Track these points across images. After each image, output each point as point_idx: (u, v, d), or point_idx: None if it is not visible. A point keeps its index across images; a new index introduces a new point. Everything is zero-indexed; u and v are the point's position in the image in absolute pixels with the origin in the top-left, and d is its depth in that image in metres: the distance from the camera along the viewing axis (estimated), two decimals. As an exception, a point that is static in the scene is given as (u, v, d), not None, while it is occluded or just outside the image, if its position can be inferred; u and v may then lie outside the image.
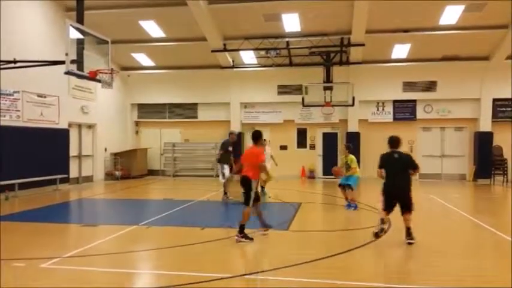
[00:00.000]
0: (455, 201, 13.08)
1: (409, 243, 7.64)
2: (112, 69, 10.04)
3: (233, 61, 19.67)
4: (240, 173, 8.45)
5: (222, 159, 13.08)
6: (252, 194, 7.97)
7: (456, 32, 16.63)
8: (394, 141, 8.25)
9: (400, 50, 18.53)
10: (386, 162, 8.08)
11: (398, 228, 8.96)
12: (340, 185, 11.77)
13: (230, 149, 13.12)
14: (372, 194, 13.72)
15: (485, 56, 18.75)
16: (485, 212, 11.79)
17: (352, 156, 11.67)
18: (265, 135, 21.34)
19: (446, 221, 10.07)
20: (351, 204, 11.47)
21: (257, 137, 8.60)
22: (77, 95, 17.56)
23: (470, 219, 10.40)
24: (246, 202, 7.98)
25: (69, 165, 16.89)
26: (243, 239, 7.73)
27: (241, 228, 7.80)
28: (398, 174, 7.94)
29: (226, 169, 12.95)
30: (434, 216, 9.93)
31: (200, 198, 13.70)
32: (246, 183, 8.06)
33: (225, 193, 13.05)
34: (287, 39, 17.66)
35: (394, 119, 20.32)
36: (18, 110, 14.25)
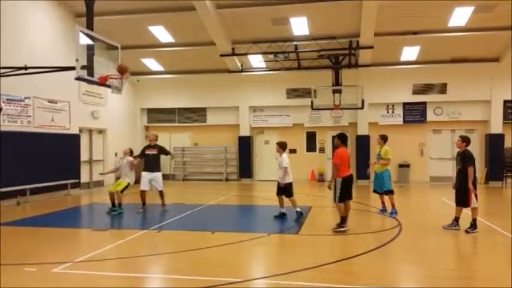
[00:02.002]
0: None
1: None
2: (122, 74, 10.07)
3: (242, 65, 19.70)
4: None
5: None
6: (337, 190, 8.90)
7: (466, 33, 16.50)
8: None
9: (410, 53, 18.43)
10: None
11: (409, 231, 8.91)
12: (376, 192, 11.49)
13: (148, 152, 11.66)
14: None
15: (495, 58, 18.59)
16: (497, 215, 11.67)
17: (386, 148, 11.18)
18: (274, 138, 21.45)
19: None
20: (393, 211, 10.93)
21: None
22: (87, 101, 17.69)
23: (482, 222, 10.29)
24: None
25: (80, 170, 17.01)
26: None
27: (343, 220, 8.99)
28: None
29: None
30: (446, 219, 9.80)
31: (210, 202, 13.72)
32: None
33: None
34: (295, 43, 17.66)
35: (404, 121, 20.20)
36: (29, 116, 14.39)
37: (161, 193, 11.77)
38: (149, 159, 11.56)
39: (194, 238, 8.63)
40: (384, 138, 11.36)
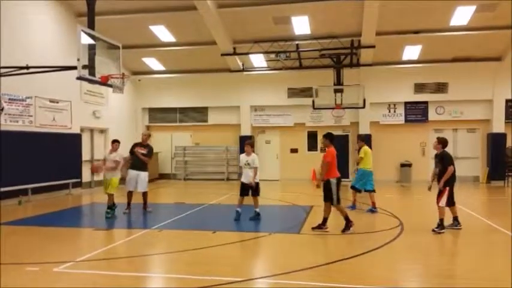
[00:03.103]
0: (469, 204, 12.92)
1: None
2: (123, 74, 10.09)
3: (243, 64, 19.69)
4: None
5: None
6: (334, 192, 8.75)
7: (467, 32, 16.49)
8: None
9: (411, 52, 18.41)
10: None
11: (411, 230, 8.90)
12: (357, 189, 11.95)
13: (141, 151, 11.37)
14: (383, 196, 13.62)
15: (497, 57, 18.56)
16: (498, 214, 11.64)
17: (365, 148, 11.77)
18: (275, 138, 21.48)
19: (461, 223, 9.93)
20: (354, 205, 11.83)
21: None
22: (88, 100, 17.70)
23: (483, 221, 10.28)
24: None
25: (82, 170, 17.02)
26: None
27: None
28: None
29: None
30: (447, 218, 9.78)
31: (211, 201, 13.72)
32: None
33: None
34: (297, 42, 17.65)
35: (406, 120, 20.18)
36: (31, 116, 14.40)
37: (145, 195, 11.42)
38: (139, 157, 11.29)
39: (195, 237, 8.62)
40: (363, 139, 12.21)
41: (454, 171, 9.03)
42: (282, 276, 6.00)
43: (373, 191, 11.67)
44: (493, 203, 14.52)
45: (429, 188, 9.46)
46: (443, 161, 9.01)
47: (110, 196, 10.74)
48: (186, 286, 5.57)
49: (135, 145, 11.54)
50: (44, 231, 9.43)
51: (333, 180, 8.80)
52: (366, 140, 12.70)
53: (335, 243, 8.31)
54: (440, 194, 8.95)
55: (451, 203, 9.05)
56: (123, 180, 11.45)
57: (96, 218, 12.33)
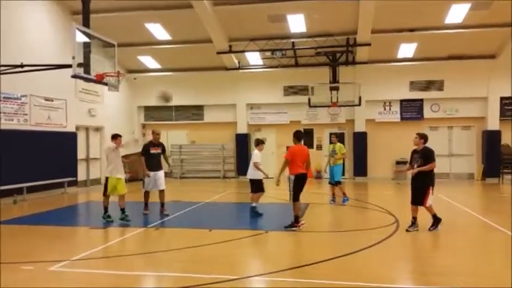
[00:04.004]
0: (464, 201, 12.99)
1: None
2: (118, 72, 10.07)
3: (239, 62, 19.68)
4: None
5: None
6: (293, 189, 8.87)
7: (462, 30, 16.55)
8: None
9: (406, 50, 18.46)
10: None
11: (405, 227, 8.93)
12: (330, 183, 12.76)
13: (153, 151, 10.93)
14: (379, 194, 13.67)
15: (492, 54, 18.63)
16: (494, 211, 11.70)
17: (340, 144, 12.82)
18: (271, 136, 21.48)
19: (455, 220, 9.99)
20: (345, 198, 12.42)
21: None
22: (84, 98, 17.65)
23: (478, 218, 10.34)
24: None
25: (77, 168, 16.98)
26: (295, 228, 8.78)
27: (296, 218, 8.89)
28: None
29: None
30: (442, 216, 9.82)
31: (207, 200, 13.72)
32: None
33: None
34: (292, 40, 17.64)
35: (401, 118, 20.24)
36: (26, 114, 14.34)
37: (162, 193, 11.01)
38: (154, 158, 10.87)
39: (192, 236, 8.62)
40: (337, 137, 13.26)
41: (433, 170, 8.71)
42: (278, 274, 6.02)
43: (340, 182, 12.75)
44: (488, 200, 14.59)
45: (395, 173, 9.31)
46: (426, 157, 8.63)
47: (122, 197, 9.86)
48: (182, 284, 5.56)
49: (148, 146, 10.98)
50: (39, 230, 9.41)
51: (291, 177, 8.93)
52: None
53: (331, 240, 8.33)
54: (424, 196, 8.56)
55: (419, 202, 8.69)
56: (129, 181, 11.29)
57: (92, 217, 12.31)
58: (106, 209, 9.92)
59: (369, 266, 6.48)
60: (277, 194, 14.13)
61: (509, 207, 11.55)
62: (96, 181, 18.76)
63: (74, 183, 16.61)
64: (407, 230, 8.61)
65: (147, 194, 10.98)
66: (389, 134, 20.27)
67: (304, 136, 9.58)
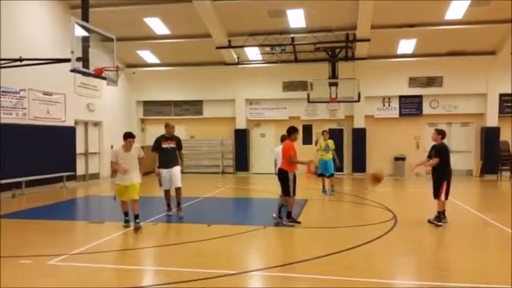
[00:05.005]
0: (462, 197, 13.01)
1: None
2: (117, 67, 10.04)
3: (238, 58, 19.64)
4: None
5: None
6: (290, 184, 9.13)
7: (462, 26, 16.49)
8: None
9: (406, 45, 18.41)
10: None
11: (405, 223, 8.96)
12: (323, 175, 13.60)
13: (165, 146, 9.98)
14: (377, 190, 13.67)
15: (492, 51, 18.59)
16: (492, 208, 11.73)
17: (331, 140, 13.85)
18: (270, 131, 21.46)
19: (453, 216, 10.01)
20: (333, 189, 13.63)
21: (288, 132, 9.68)
22: (82, 93, 17.61)
23: (477, 215, 10.36)
24: (286, 193, 9.15)
25: (76, 163, 16.97)
26: (291, 223, 8.92)
27: (289, 214, 9.06)
28: None
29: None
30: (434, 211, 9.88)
31: (206, 195, 13.73)
32: (282, 175, 9.33)
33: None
34: (292, 35, 17.59)
35: (400, 114, 20.23)
36: (25, 108, 14.31)
37: (179, 191, 10.11)
38: (168, 153, 9.93)
39: (190, 231, 8.65)
40: (329, 133, 14.16)
41: (449, 165, 8.98)
42: (276, 269, 6.04)
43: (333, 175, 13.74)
44: (487, 197, 14.62)
45: (413, 170, 9.55)
46: (439, 152, 8.89)
47: (134, 202, 8.65)
48: (180, 279, 5.58)
49: (160, 140, 9.97)
50: (38, 224, 9.41)
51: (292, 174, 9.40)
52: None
53: (328, 236, 8.35)
54: (439, 189, 8.87)
55: (436, 195, 9.02)
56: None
57: (90, 211, 12.34)
58: (125, 214, 8.88)
59: (367, 261, 6.51)
60: (274, 189, 14.14)
61: (507, 204, 11.58)
62: (95, 175, 18.77)
63: (73, 178, 16.60)
64: (432, 223, 8.81)
65: (166, 194, 10.13)
66: (389, 130, 20.27)
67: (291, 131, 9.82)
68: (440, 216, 8.87)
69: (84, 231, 9.05)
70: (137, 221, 8.54)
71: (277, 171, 10.45)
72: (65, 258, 6.57)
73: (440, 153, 8.89)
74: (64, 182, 15.80)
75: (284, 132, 10.11)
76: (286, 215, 9.10)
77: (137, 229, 8.38)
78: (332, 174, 13.56)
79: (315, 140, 21.35)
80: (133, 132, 9.20)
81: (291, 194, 9.10)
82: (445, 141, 9.20)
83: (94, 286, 5.51)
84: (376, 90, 19.84)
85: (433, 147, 9.25)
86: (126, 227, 8.69)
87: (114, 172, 8.59)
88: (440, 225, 8.72)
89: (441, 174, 8.90)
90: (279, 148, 10.80)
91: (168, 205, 10.13)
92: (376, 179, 9.53)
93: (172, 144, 9.98)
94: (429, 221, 8.84)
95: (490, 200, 13.71)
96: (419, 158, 19.87)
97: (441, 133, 9.14)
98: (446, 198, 9.01)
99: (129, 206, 8.74)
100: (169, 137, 10.01)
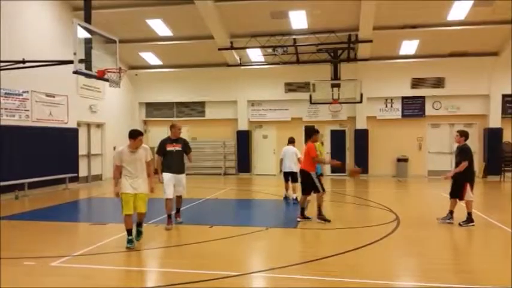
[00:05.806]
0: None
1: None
2: (120, 68, 10.06)
3: (240, 59, 19.66)
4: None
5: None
6: (317, 182, 9.33)
7: (465, 27, 16.47)
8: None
9: (408, 46, 18.40)
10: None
11: (408, 224, 8.93)
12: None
13: (170, 149, 9.10)
14: (380, 191, 13.68)
15: (494, 52, 18.57)
16: (495, 209, 11.70)
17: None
18: (272, 133, 21.47)
19: (456, 217, 9.97)
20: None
21: (309, 133, 10.07)
22: (85, 94, 17.65)
23: (480, 215, 10.32)
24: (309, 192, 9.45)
25: (79, 164, 17.00)
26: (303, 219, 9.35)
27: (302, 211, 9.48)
28: None
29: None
30: (444, 213, 9.84)
31: (208, 196, 13.73)
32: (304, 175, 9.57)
33: None
34: (294, 37, 17.62)
35: (403, 115, 20.21)
36: (27, 110, 14.34)
37: (179, 198, 9.42)
38: (173, 157, 9.03)
39: (192, 232, 8.64)
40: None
41: (472, 166, 9.06)
42: (278, 270, 6.02)
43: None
44: (490, 198, 14.56)
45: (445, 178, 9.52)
46: (461, 154, 8.98)
47: (142, 215, 7.66)
48: (182, 280, 5.57)
49: (165, 143, 9.14)
50: (41, 225, 9.43)
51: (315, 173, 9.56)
52: None
53: (331, 237, 8.33)
54: (462, 191, 8.94)
55: (457, 195, 9.09)
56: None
57: (93, 213, 12.34)
58: (128, 232, 7.36)
59: (370, 262, 6.49)
60: (276, 190, 14.15)
61: (510, 205, 11.55)
62: (97, 177, 18.80)
63: (75, 179, 16.63)
64: (464, 225, 8.86)
65: (168, 203, 9.00)
66: (391, 131, 20.25)
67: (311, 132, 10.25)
68: (470, 220, 8.92)
69: (87, 232, 9.06)
70: (139, 229, 7.65)
71: (284, 170, 10.93)
72: (68, 259, 6.58)
73: (465, 154, 8.94)
74: (67, 184, 15.84)
75: (286, 133, 10.31)
76: (300, 211, 9.47)
77: (138, 234, 7.62)
78: (321, 174, 13.45)
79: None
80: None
81: (321, 191, 9.37)
82: (446, 142, 9.24)
83: (97, 287, 5.52)
84: (378, 91, 19.83)
85: (457, 148, 9.32)
86: (129, 248, 7.17)
87: (115, 179, 7.52)
88: (473, 225, 8.81)
89: (465, 175, 8.94)
90: (287, 148, 11.03)
91: (169, 217, 8.98)
92: (355, 172, 10.05)
93: (178, 147, 9.07)
94: (460, 224, 8.90)
95: (494, 201, 13.66)
96: (421, 159, 19.95)
97: (464, 134, 9.21)
98: (462, 198, 9.05)
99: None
100: (174, 139, 9.14)
